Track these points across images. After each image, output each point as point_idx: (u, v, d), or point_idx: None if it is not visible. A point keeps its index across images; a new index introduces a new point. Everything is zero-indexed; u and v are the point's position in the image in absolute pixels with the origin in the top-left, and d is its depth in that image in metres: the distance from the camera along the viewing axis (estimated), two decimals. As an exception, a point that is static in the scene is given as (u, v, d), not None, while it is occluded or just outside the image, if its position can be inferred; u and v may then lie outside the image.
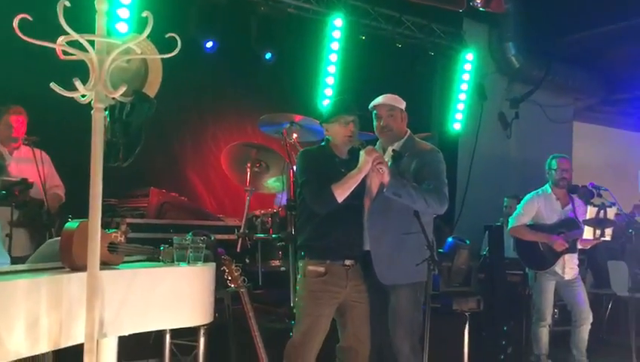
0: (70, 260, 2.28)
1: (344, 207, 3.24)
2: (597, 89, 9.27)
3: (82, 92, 1.97)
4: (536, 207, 5.02)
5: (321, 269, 3.26)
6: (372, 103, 3.55)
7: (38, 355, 2.07)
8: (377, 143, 3.60)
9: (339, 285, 3.26)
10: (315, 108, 6.41)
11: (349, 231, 3.33)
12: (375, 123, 3.55)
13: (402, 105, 3.54)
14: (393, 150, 3.46)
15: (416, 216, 3.20)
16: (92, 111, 2.01)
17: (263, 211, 4.82)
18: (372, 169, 3.21)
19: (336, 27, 6.79)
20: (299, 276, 3.38)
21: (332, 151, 3.41)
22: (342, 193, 3.19)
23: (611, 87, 9.27)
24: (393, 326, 3.38)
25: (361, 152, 3.21)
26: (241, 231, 4.59)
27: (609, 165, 9.81)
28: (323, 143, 3.51)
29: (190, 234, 2.85)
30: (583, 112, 9.74)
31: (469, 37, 7.91)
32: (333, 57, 6.85)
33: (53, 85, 1.94)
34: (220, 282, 3.03)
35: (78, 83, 1.95)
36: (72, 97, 1.99)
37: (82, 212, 2.08)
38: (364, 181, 3.32)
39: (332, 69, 6.84)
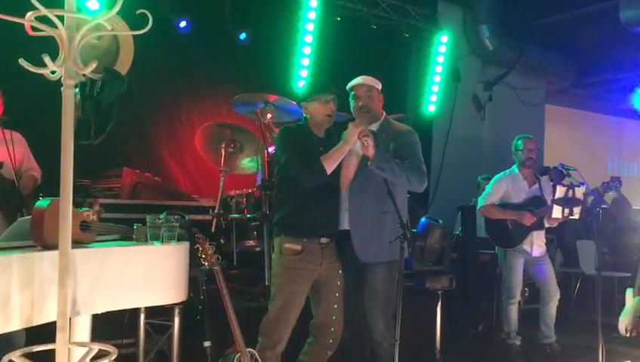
0: (41, 239, 2.27)
1: (320, 185, 3.27)
2: (569, 72, 9.41)
3: (52, 68, 1.96)
4: (504, 187, 5.12)
5: (298, 247, 3.28)
6: (350, 84, 3.57)
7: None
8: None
9: (314, 263, 3.30)
10: (290, 89, 6.42)
11: (325, 210, 3.36)
12: (353, 103, 3.56)
13: (379, 86, 3.58)
14: (370, 131, 3.48)
15: (389, 196, 3.25)
16: (62, 88, 2.00)
17: (237, 191, 4.80)
18: (357, 142, 3.25)
19: (311, 8, 6.76)
20: (274, 254, 3.40)
21: (310, 130, 3.43)
22: (330, 164, 3.24)
23: (582, 71, 9.42)
24: (369, 303, 3.43)
25: (350, 124, 3.26)
26: (216, 211, 4.58)
27: (580, 147, 10.00)
28: (301, 122, 3.52)
29: (164, 213, 2.84)
30: (555, 95, 9.89)
31: (443, 19, 7.95)
32: (309, 38, 6.83)
33: (22, 61, 1.92)
34: (193, 261, 3.03)
35: (47, 59, 1.93)
36: (42, 75, 1.98)
37: (55, 192, 2.07)
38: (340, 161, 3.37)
39: (307, 49, 6.83)
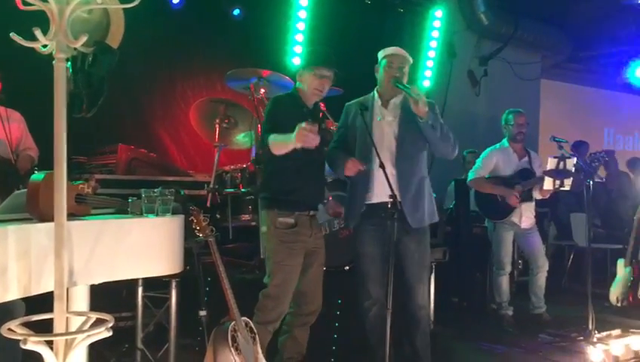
0: (37, 211, 2.31)
1: (310, 160, 3.32)
2: (564, 46, 9.38)
3: (43, 42, 1.98)
4: (494, 160, 5.17)
5: (291, 220, 3.33)
6: (385, 52, 3.58)
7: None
8: (374, 93, 3.65)
9: (305, 234, 3.38)
10: (284, 64, 6.41)
11: (314, 184, 3.43)
12: (383, 71, 3.55)
13: (411, 60, 3.62)
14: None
15: (381, 167, 3.30)
16: (54, 62, 2.02)
17: (232, 166, 4.84)
18: (413, 101, 3.28)
19: (305, -17, 6.74)
20: (264, 227, 3.41)
21: (301, 100, 3.44)
22: (276, 149, 3.22)
23: (578, 45, 9.40)
24: (415, 268, 3.55)
25: (300, 127, 3.04)
26: (211, 186, 4.63)
27: (575, 121, 10.01)
28: (292, 91, 3.52)
29: (160, 188, 2.88)
30: (551, 70, 9.87)
31: (438, -7, 7.92)
32: (302, 14, 6.82)
33: (13, 35, 1.95)
34: (188, 233, 3.08)
35: (38, 32, 1.96)
36: (34, 49, 2.00)
37: (52, 169, 2.11)
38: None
39: (301, 25, 6.81)
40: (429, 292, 3.50)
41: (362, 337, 3.64)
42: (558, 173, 4.60)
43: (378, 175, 3.40)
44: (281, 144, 3.17)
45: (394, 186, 3.32)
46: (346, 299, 3.95)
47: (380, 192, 3.44)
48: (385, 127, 3.54)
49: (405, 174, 3.49)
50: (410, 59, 3.61)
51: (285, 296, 3.32)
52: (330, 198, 3.66)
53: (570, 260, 7.00)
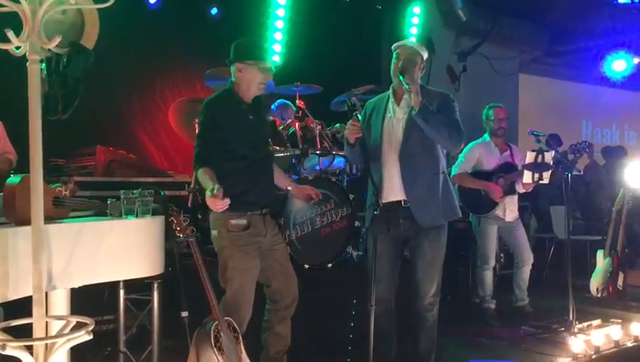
0: (14, 215, 2.28)
1: (258, 159, 3.28)
2: (541, 41, 9.46)
3: (16, 44, 1.96)
4: (477, 155, 5.19)
5: (244, 222, 3.24)
6: (396, 44, 3.48)
7: None
8: (390, 90, 3.55)
9: (260, 235, 3.30)
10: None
11: (264, 182, 3.36)
12: (393, 66, 3.44)
13: (425, 54, 3.50)
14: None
15: (369, 173, 3.30)
16: (27, 64, 2.00)
17: (212, 167, 4.81)
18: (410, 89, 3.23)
19: (283, -19, 6.73)
20: (215, 231, 3.30)
21: (239, 97, 3.29)
22: (200, 181, 3.19)
23: (554, 39, 9.48)
24: (425, 269, 3.45)
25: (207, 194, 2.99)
26: (192, 186, 4.60)
27: (554, 115, 10.10)
28: (227, 87, 3.37)
29: (139, 188, 2.85)
30: (528, 64, 9.95)
31: (415, -10, 7.95)
32: (281, 12, 6.81)
33: (-15, 37, 1.92)
34: (168, 234, 3.06)
35: (10, 34, 1.93)
36: (7, 51, 1.98)
37: (28, 172, 2.08)
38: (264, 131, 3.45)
39: (280, 23, 6.81)
40: (438, 293, 3.45)
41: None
42: (537, 167, 4.65)
43: (387, 174, 3.37)
44: (205, 184, 3.10)
45: (400, 184, 3.34)
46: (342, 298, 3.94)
47: (388, 191, 3.40)
48: (394, 125, 3.45)
49: (411, 172, 3.38)
50: (423, 53, 3.46)
51: (246, 300, 3.25)
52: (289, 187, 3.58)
53: (551, 252, 7.08)
